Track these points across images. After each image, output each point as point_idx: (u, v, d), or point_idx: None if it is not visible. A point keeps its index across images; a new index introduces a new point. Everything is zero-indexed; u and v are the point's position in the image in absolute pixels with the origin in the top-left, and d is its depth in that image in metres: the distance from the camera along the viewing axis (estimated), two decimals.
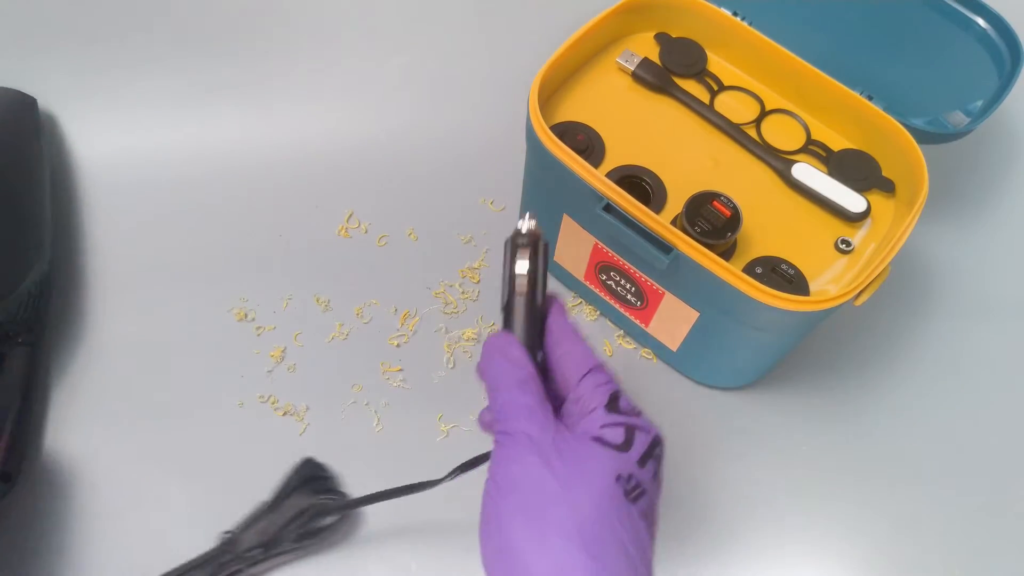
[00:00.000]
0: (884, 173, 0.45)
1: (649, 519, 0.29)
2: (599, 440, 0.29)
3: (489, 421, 0.31)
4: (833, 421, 0.51)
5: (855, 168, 0.45)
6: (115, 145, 0.60)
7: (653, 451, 0.29)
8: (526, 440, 0.28)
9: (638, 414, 0.30)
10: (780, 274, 0.42)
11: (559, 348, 0.32)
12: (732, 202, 0.41)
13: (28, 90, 0.59)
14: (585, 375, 0.31)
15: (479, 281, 0.56)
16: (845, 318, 0.53)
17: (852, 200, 0.44)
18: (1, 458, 0.45)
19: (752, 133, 0.47)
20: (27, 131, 0.56)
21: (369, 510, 0.45)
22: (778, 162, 0.46)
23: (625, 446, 0.29)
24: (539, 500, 0.27)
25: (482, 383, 0.31)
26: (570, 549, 0.26)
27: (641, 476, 0.28)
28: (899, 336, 0.55)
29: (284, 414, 0.50)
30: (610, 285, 0.50)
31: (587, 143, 0.45)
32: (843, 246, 0.43)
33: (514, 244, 0.33)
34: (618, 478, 0.28)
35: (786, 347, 0.49)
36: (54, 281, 0.53)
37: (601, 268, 0.49)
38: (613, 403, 0.30)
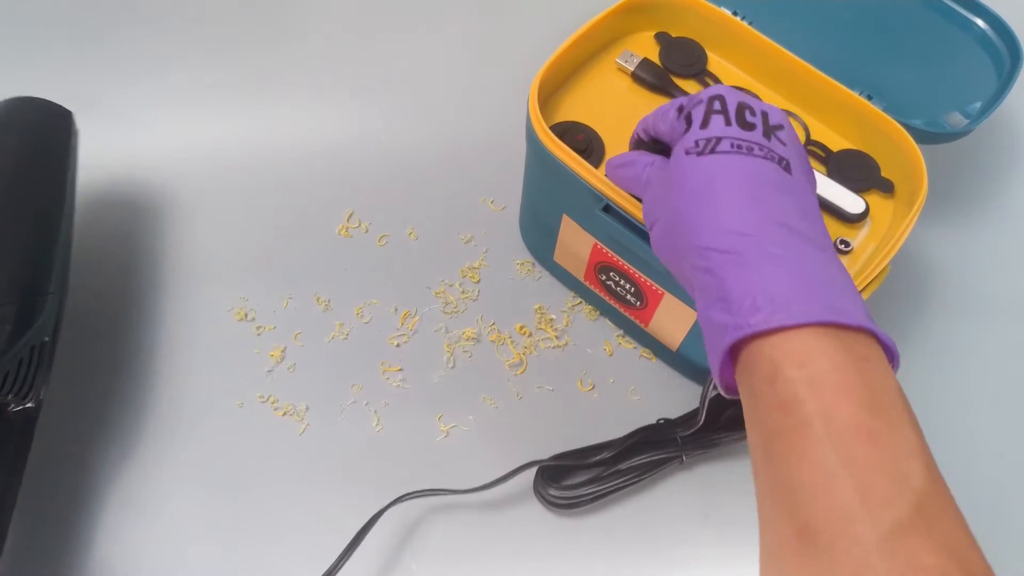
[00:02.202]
0: (883, 173, 0.45)
1: (797, 166, 0.32)
2: (688, 150, 0.32)
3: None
4: None
5: (854, 168, 0.45)
6: (115, 145, 0.60)
7: (711, 106, 0.32)
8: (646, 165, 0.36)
9: (698, 97, 0.33)
10: None
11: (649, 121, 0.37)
12: None
13: (27, 91, 0.59)
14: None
15: (479, 281, 0.56)
16: None
17: (851, 201, 0.44)
18: None
19: None
20: (60, 152, 0.47)
21: (368, 513, 0.44)
22: None
23: (684, 124, 0.33)
24: (695, 190, 0.31)
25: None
26: (731, 207, 0.29)
27: (755, 138, 0.31)
28: (898, 336, 0.55)
29: (284, 414, 0.50)
30: (610, 285, 0.50)
31: (587, 143, 0.45)
32: (842, 246, 0.43)
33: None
34: (687, 152, 0.31)
35: None
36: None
37: (601, 268, 0.49)
38: (689, 105, 0.33)
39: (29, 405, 0.41)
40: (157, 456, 0.49)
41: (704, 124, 0.32)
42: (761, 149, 0.31)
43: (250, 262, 0.56)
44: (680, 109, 0.34)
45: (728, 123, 0.31)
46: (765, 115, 0.32)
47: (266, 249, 0.57)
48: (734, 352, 0.28)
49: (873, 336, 0.27)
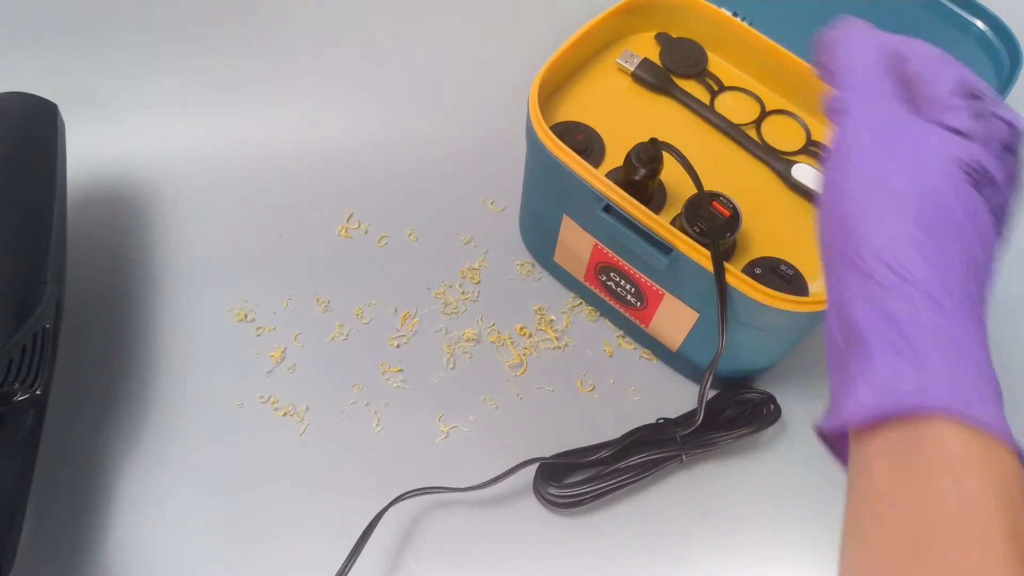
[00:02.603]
0: None
1: (998, 214, 0.27)
2: (940, 124, 0.26)
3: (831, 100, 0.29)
4: None
5: None
6: (114, 146, 0.60)
7: (1013, 143, 0.27)
8: (874, 103, 0.28)
9: (995, 102, 0.27)
10: (779, 274, 0.42)
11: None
12: (732, 202, 0.41)
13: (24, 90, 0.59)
14: (934, 62, 0.29)
15: (479, 281, 0.56)
16: None
17: None
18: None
19: (752, 134, 0.47)
20: (47, 144, 0.48)
21: (369, 513, 0.44)
22: (778, 163, 0.46)
23: (971, 132, 0.27)
24: (878, 176, 0.26)
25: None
26: (904, 225, 0.25)
27: (990, 165, 0.26)
28: None
29: (284, 414, 0.50)
30: (610, 286, 0.50)
31: (587, 143, 0.45)
32: None
33: None
34: (959, 163, 0.26)
35: (785, 348, 0.49)
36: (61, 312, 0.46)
37: (601, 269, 0.49)
38: (963, 88, 0.27)
39: (37, 392, 0.42)
40: (157, 456, 0.49)
41: (991, 150, 0.27)
42: (1007, 206, 0.27)
43: (250, 263, 0.56)
44: (963, 85, 0.27)
45: (1009, 176, 0.27)
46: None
47: (266, 250, 0.57)
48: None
49: (1016, 452, 0.24)
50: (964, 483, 0.22)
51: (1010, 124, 0.27)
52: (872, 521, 0.24)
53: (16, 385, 0.41)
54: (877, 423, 0.24)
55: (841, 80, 0.29)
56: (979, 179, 0.26)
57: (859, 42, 0.30)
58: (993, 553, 0.21)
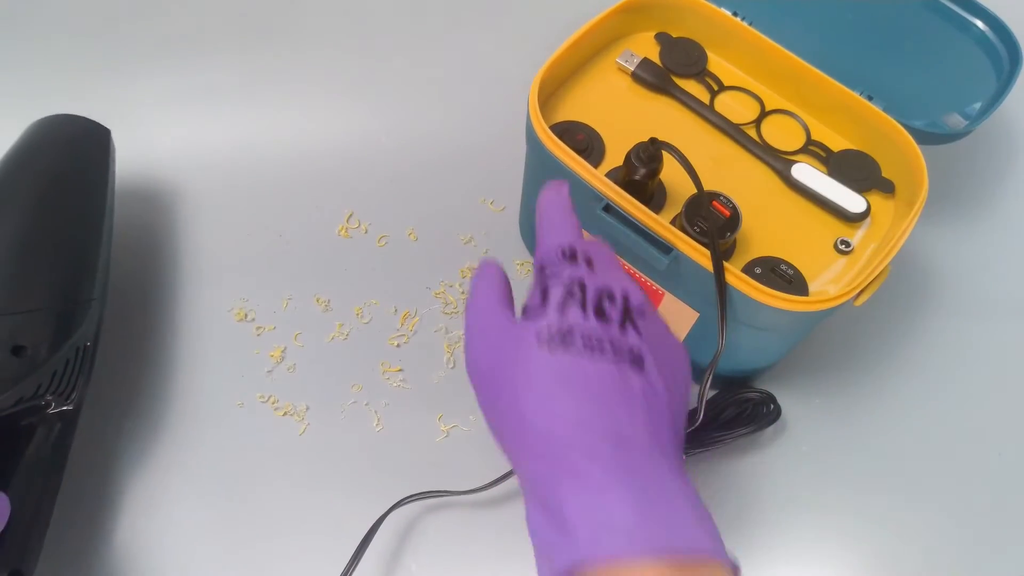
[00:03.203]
0: (884, 173, 0.45)
1: (636, 362, 0.28)
2: (524, 315, 0.30)
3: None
4: (832, 421, 0.51)
5: (855, 168, 0.45)
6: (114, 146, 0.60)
7: (571, 290, 0.30)
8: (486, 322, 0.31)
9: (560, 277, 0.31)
10: (779, 274, 0.42)
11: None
12: (732, 202, 0.41)
13: (19, 88, 0.59)
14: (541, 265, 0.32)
15: None
16: (845, 318, 0.53)
17: (852, 200, 0.44)
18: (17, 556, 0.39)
19: (752, 133, 0.47)
20: (100, 167, 0.49)
21: (369, 512, 0.45)
22: (778, 162, 0.46)
23: (541, 300, 0.30)
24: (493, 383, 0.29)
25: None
26: (522, 417, 0.27)
27: (568, 324, 0.28)
28: (899, 336, 0.55)
29: (284, 414, 0.50)
30: None
31: (587, 143, 0.45)
32: (842, 246, 0.43)
33: None
34: (537, 335, 0.28)
35: (785, 347, 0.49)
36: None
37: None
38: (544, 295, 0.30)
39: (68, 408, 0.43)
40: (156, 455, 0.49)
41: (561, 308, 0.29)
42: (613, 347, 0.28)
43: (250, 262, 0.56)
44: (542, 270, 0.31)
45: (584, 312, 0.29)
46: (626, 299, 0.30)
47: (266, 249, 0.57)
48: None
49: (720, 564, 0.25)
50: None
51: (561, 278, 0.30)
52: None
53: (50, 397, 0.42)
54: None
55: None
56: (610, 352, 0.28)
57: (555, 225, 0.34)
58: None
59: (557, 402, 0.27)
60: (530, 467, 0.27)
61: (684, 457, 0.28)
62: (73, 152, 0.49)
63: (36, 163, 0.47)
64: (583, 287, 0.30)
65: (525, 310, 0.31)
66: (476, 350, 0.31)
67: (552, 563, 0.25)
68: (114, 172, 0.51)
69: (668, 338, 0.32)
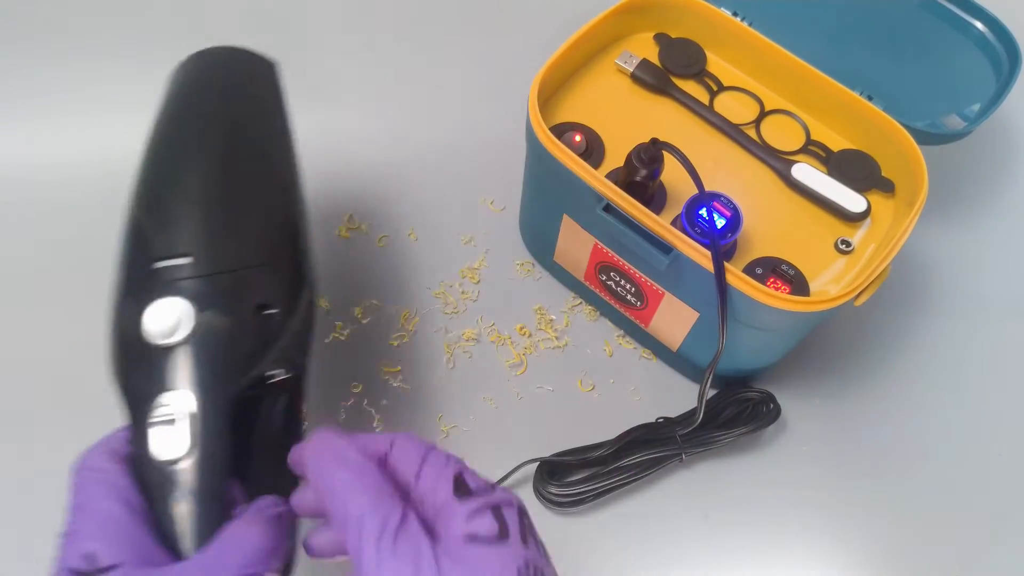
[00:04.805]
0: (884, 173, 0.45)
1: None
2: (474, 538, 0.25)
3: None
4: (832, 421, 0.52)
5: (855, 168, 0.45)
6: (114, 146, 0.60)
7: (524, 523, 0.27)
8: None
9: (492, 487, 0.27)
10: (780, 274, 0.42)
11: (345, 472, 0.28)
12: (732, 202, 0.41)
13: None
14: (420, 467, 0.28)
15: (479, 281, 0.56)
16: (845, 318, 0.53)
17: (852, 200, 0.44)
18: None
19: (752, 133, 0.47)
20: (276, 103, 0.43)
21: None
22: (778, 162, 0.46)
23: (503, 532, 0.26)
24: None
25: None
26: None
27: (531, 557, 0.25)
28: (899, 336, 0.55)
29: None
30: (610, 285, 0.50)
31: (587, 144, 0.45)
32: (843, 246, 0.43)
33: None
34: (518, 572, 0.25)
35: (785, 347, 0.49)
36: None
37: (601, 268, 0.49)
38: (461, 487, 0.27)
39: (288, 375, 0.36)
40: None
41: (524, 541, 0.26)
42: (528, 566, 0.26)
43: None
44: (459, 483, 0.27)
45: (541, 552, 0.27)
46: (521, 510, 0.27)
47: None
48: None
49: None
50: None
51: (512, 504, 0.27)
52: None
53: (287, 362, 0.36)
54: None
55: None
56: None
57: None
58: None
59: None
60: None
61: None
62: (246, 93, 0.43)
63: (218, 108, 0.40)
64: (523, 513, 0.27)
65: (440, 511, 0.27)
66: None
67: None
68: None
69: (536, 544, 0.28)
